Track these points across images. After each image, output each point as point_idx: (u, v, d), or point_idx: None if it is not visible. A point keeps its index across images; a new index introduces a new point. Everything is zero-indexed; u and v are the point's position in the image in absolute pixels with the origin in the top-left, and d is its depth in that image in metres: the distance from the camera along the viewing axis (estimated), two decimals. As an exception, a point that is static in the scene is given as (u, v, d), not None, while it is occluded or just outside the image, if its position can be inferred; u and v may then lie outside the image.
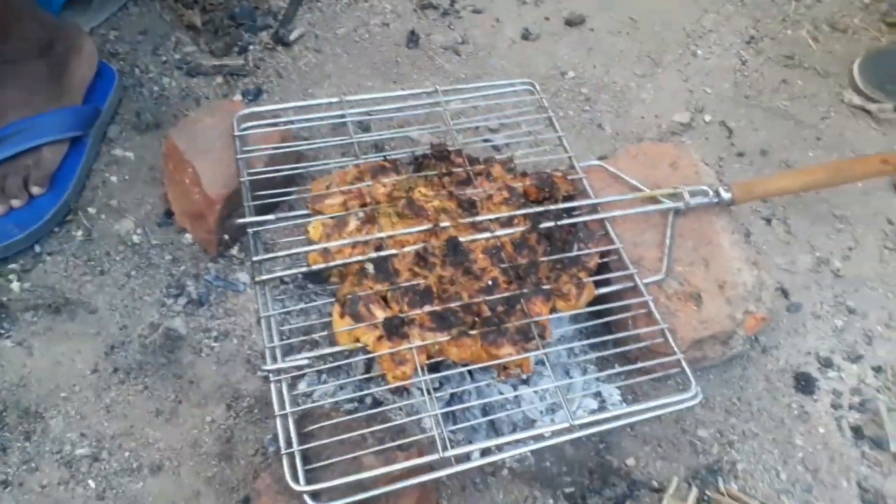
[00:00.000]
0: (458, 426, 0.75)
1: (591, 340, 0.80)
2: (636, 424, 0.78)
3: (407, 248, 0.74)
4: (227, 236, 0.84)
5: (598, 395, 0.81)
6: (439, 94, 0.89)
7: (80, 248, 0.85)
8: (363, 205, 0.77)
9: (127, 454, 0.71)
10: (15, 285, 0.80)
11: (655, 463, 0.76)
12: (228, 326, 0.80)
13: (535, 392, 0.79)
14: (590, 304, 0.76)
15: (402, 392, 0.77)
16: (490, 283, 0.73)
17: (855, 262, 0.95)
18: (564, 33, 1.17)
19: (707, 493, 0.73)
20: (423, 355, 0.69)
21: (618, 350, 0.79)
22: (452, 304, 0.71)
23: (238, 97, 1.03)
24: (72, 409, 0.73)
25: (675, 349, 0.74)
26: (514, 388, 0.78)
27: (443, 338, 0.69)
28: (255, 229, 0.77)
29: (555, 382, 0.70)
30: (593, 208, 0.83)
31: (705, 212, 0.86)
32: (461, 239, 0.75)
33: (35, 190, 0.84)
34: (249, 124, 0.84)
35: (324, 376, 0.78)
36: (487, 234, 0.76)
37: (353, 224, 0.76)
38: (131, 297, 0.81)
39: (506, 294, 0.72)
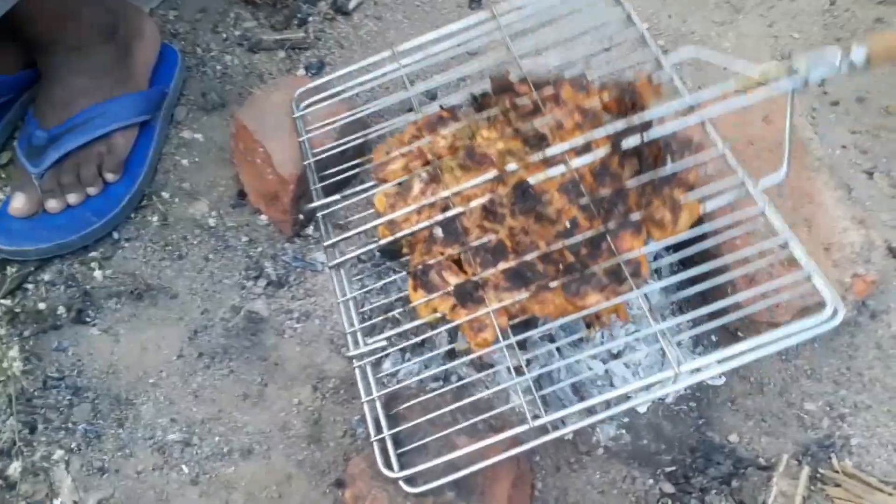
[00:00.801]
0: (548, 405, 0.72)
1: (691, 273, 0.66)
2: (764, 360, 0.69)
3: (473, 203, 0.67)
4: (302, 216, 0.83)
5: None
6: (496, 19, 0.79)
7: (157, 234, 0.84)
8: (426, 163, 0.72)
9: (217, 439, 0.71)
10: (97, 273, 0.80)
11: (761, 439, 0.72)
12: (309, 307, 0.79)
13: (627, 366, 0.76)
14: (694, 225, 0.66)
15: (487, 367, 0.74)
16: (569, 225, 0.65)
17: (969, 214, 0.87)
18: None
19: (820, 470, 0.69)
20: (502, 318, 0.64)
21: (725, 278, 0.66)
22: (528, 257, 0.64)
23: (301, 71, 1.01)
24: (161, 394, 0.74)
25: (803, 261, 0.62)
26: (604, 362, 0.75)
27: (521, 296, 0.63)
28: (324, 212, 0.75)
29: (657, 326, 0.61)
30: (687, 110, 0.68)
31: (803, 167, 0.80)
32: (532, 180, 0.67)
33: (109, 177, 0.83)
34: (309, 101, 0.82)
35: (407, 354, 0.76)
36: (562, 169, 0.66)
37: (417, 187, 0.71)
38: (211, 281, 0.81)
39: (588, 234, 0.64)
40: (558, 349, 0.74)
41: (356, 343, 0.68)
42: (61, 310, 0.77)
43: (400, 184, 0.72)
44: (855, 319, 0.79)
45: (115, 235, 0.84)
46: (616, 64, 0.77)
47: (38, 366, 0.74)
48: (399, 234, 0.69)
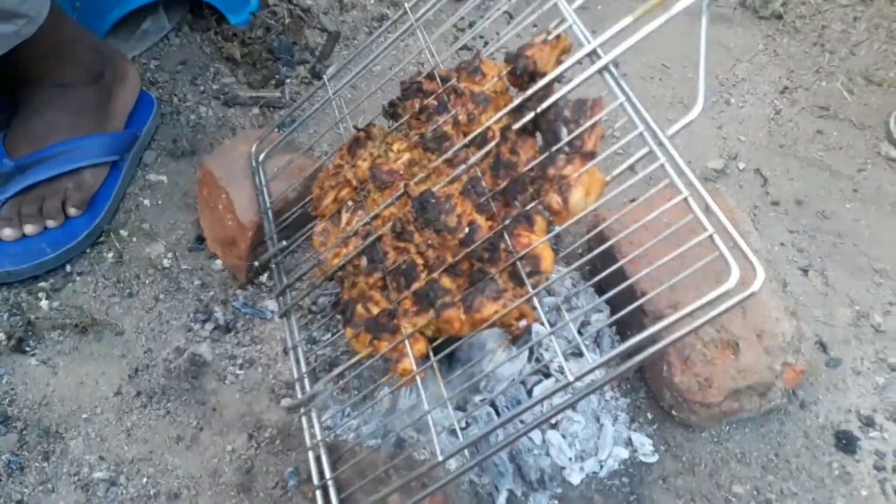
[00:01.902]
0: (483, 471, 0.73)
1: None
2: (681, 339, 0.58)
3: (386, 226, 0.65)
4: (257, 263, 0.84)
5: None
6: (410, 15, 0.76)
7: (111, 270, 0.85)
8: (353, 190, 0.70)
9: (145, 480, 0.70)
10: (44, 303, 0.80)
11: (689, 517, 0.73)
12: (254, 354, 0.79)
13: (564, 437, 0.77)
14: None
15: (427, 430, 0.75)
16: (468, 229, 0.61)
17: (896, 317, 0.92)
18: (596, 77, 1.17)
19: (743, 552, 0.70)
20: (419, 343, 0.62)
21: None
22: (435, 274, 0.61)
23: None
24: (92, 430, 0.72)
25: (706, 224, 0.56)
26: (543, 432, 0.76)
27: (429, 317, 0.61)
28: (276, 260, 0.76)
29: (546, 330, 0.58)
30: (589, 56, 0.59)
31: (741, 257, 0.84)
32: (435, 189, 0.64)
33: (72, 211, 0.84)
34: (266, 150, 0.85)
35: (347, 409, 0.76)
36: (462, 168, 0.63)
37: (344, 218, 0.69)
38: (158, 321, 0.81)
39: (485, 237, 0.60)
40: (496, 412, 0.75)
41: (302, 389, 0.68)
42: (1, 337, 0.76)
43: (331, 218, 0.71)
44: (785, 408, 0.82)
45: (68, 268, 0.84)
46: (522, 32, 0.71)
47: (-31, 391, 0.73)
48: (330, 272, 0.68)
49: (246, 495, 0.70)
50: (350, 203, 0.70)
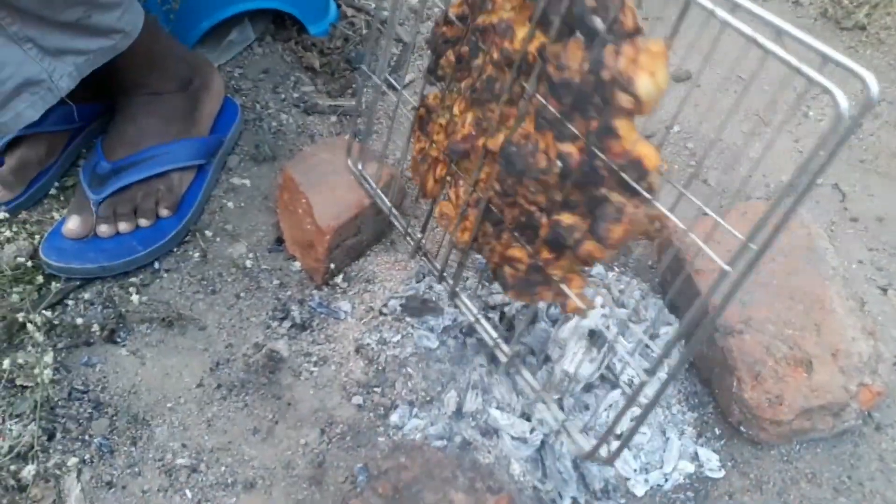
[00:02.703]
0: (547, 477, 0.74)
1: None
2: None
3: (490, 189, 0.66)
4: (333, 266, 0.87)
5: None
6: None
7: (196, 268, 0.89)
8: (446, 164, 0.72)
9: (223, 468, 0.73)
10: (134, 297, 0.85)
11: (756, 535, 0.72)
12: (328, 352, 0.82)
13: (629, 448, 0.77)
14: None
15: (493, 432, 0.76)
16: (560, 163, 0.58)
17: (982, 341, 0.89)
18: (671, 88, 1.17)
19: (813, 573, 0.69)
20: (574, 281, 0.61)
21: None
22: (554, 216, 0.60)
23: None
24: (176, 419, 0.76)
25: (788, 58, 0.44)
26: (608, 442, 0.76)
27: (570, 257, 0.60)
28: (420, 253, 0.78)
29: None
30: None
31: (817, 274, 0.82)
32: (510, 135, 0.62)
33: (164, 212, 0.89)
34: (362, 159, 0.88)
35: (415, 409, 0.78)
36: (522, 105, 0.60)
37: (452, 193, 0.72)
38: (239, 318, 0.85)
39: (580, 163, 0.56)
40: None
41: (502, 352, 0.71)
42: (95, 328, 0.81)
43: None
44: (860, 429, 0.80)
45: (157, 265, 0.89)
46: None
47: (66, 377, 0.78)
48: (466, 249, 0.69)
49: (317, 488, 0.73)
50: (449, 178, 0.70)
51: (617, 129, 0.53)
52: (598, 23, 0.52)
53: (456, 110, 0.68)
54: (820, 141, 0.42)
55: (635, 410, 0.72)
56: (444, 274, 0.77)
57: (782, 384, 0.75)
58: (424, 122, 0.73)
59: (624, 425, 0.77)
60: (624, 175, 0.54)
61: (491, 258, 0.68)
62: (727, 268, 0.49)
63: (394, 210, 0.83)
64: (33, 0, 0.69)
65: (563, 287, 0.62)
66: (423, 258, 0.80)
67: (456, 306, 0.77)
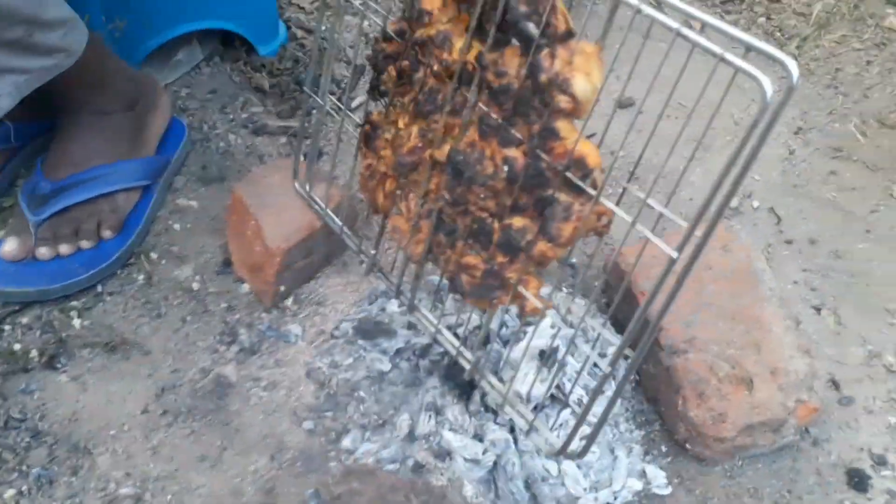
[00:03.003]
0: (499, 498, 0.74)
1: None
2: None
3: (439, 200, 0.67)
4: (283, 288, 0.86)
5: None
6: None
7: (140, 291, 0.87)
8: (395, 179, 0.72)
9: (169, 497, 0.71)
10: (76, 322, 0.82)
11: (702, 551, 0.74)
12: (278, 377, 0.81)
13: (579, 467, 0.78)
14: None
15: (445, 455, 0.76)
16: (506, 168, 0.59)
17: (908, 357, 0.93)
18: (617, 115, 1.20)
19: (756, 586, 0.71)
20: (532, 283, 0.62)
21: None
22: (505, 221, 0.61)
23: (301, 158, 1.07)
24: (119, 447, 0.74)
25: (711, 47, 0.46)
26: (559, 462, 0.77)
27: (524, 259, 0.61)
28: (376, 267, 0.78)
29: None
30: None
31: (756, 296, 0.86)
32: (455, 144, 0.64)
33: (107, 234, 0.87)
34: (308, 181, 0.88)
35: (367, 433, 0.77)
36: (465, 114, 0.61)
37: (403, 207, 0.72)
38: (185, 342, 0.83)
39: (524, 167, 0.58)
40: (515, 440, 0.77)
41: (465, 359, 0.71)
42: (34, 353, 0.79)
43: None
44: (798, 444, 0.83)
45: (99, 288, 0.86)
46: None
47: (2, 405, 0.75)
48: (420, 261, 0.70)
49: (267, 516, 0.71)
50: (399, 192, 0.70)
51: (558, 131, 0.55)
52: (532, 28, 0.54)
53: (401, 124, 0.69)
54: (749, 127, 0.44)
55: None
56: (401, 288, 0.77)
57: (725, 402, 0.77)
58: (370, 138, 0.74)
59: (573, 443, 0.78)
60: (569, 174, 0.56)
61: (446, 268, 0.68)
62: (674, 254, 0.51)
63: (345, 229, 0.83)
64: None
65: (521, 289, 0.63)
66: (378, 275, 0.80)
67: (414, 320, 0.78)
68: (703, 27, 0.47)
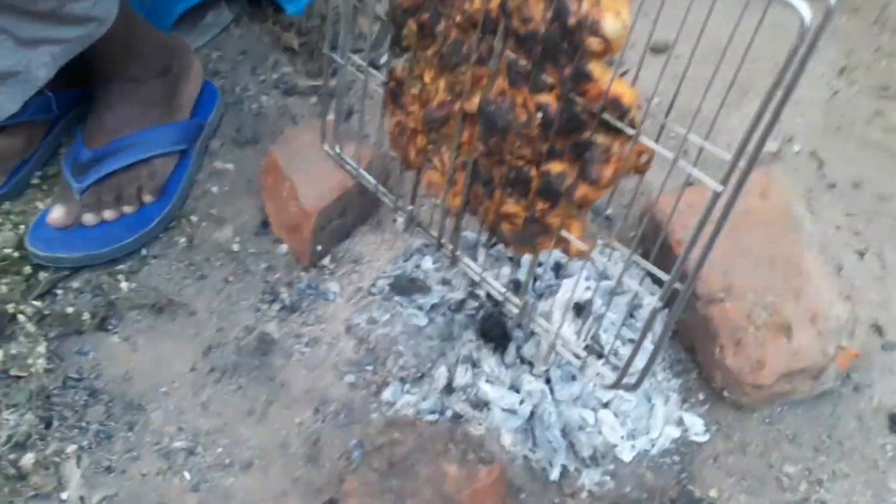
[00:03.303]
0: (537, 446, 0.76)
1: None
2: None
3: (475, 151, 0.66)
4: (320, 247, 0.88)
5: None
6: None
7: (183, 254, 0.90)
8: (426, 134, 0.71)
9: (220, 450, 0.75)
10: (123, 285, 0.85)
11: (739, 496, 0.75)
12: (318, 333, 0.83)
13: (616, 416, 0.79)
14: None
15: (483, 405, 0.78)
16: (540, 114, 0.58)
17: (954, 300, 0.91)
18: (650, 60, 1.17)
19: (794, 529, 0.71)
20: (574, 225, 0.62)
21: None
22: (542, 167, 0.60)
23: (330, 115, 1.07)
24: (171, 404, 0.77)
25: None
26: (596, 411, 0.78)
27: (565, 203, 0.61)
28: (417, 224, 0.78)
29: None
30: None
31: (796, 242, 0.84)
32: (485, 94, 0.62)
33: (147, 198, 0.89)
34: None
35: (407, 386, 0.79)
36: (492, 63, 0.60)
37: (437, 161, 0.71)
38: (228, 302, 0.85)
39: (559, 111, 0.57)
40: (551, 391, 0.78)
41: (513, 304, 0.71)
42: (86, 316, 0.82)
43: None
44: (838, 391, 0.82)
45: (144, 252, 0.89)
46: None
47: (60, 366, 0.78)
48: (460, 213, 0.70)
49: (313, 465, 0.74)
50: (431, 147, 0.70)
51: (591, 73, 0.54)
52: None
53: (427, 78, 0.68)
54: (789, 55, 0.43)
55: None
56: (442, 241, 0.78)
57: (763, 350, 0.77)
58: (396, 95, 0.73)
59: (609, 392, 0.79)
60: (606, 116, 0.55)
61: (486, 218, 0.69)
62: (718, 187, 0.50)
63: (380, 187, 0.84)
64: None
65: (564, 233, 0.63)
66: (417, 229, 0.81)
67: (458, 271, 0.78)
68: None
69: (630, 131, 0.55)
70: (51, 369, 0.78)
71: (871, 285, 0.92)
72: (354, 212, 0.91)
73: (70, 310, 0.82)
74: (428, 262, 0.88)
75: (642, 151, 0.57)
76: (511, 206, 0.66)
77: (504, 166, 0.64)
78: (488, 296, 0.85)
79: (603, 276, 0.87)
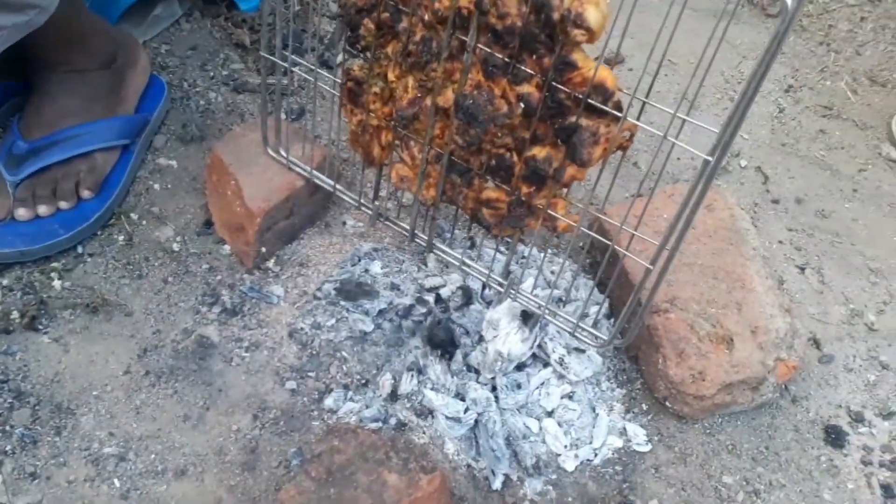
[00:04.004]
0: (480, 455, 0.75)
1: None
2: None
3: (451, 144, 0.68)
4: (264, 249, 0.86)
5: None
6: None
7: (121, 252, 0.86)
8: (392, 129, 0.73)
9: (153, 456, 0.72)
10: (56, 283, 0.82)
11: (679, 505, 0.75)
12: (260, 337, 0.81)
13: (560, 425, 0.79)
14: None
15: (427, 413, 0.77)
16: (522, 104, 0.61)
17: (889, 316, 0.94)
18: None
19: (731, 539, 0.72)
20: (559, 204, 0.65)
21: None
22: (527, 153, 0.63)
23: (281, 116, 1.05)
24: (102, 407, 0.74)
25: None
26: (540, 420, 0.78)
27: (552, 186, 0.63)
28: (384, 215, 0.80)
29: None
30: None
31: (739, 255, 0.86)
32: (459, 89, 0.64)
33: (85, 194, 0.86)
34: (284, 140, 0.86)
35: (350, 393, 0.78)
36: (466, 57, 0.61)
37: (406, 156, 0.73)
38: (167, 303, 0.83)
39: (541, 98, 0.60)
40: (496, 398, 0.77)
41: (499, 284, 0.70)
42: (15, 315, 0.78)
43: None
44: (777, 402, 0.84)
45: (80, 249, 0.86)
46: None
47: (-16, 366, 0.75)
48: (435, 204, 0.73)
49: (250, 473, 0.72)
50: (398, 142, 0.71)
51: (575, 62, 0.57)
52: None
53: (391, 76, 0.68)
54: (773, 37, 0.47)
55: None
56: (416, 232, 0.78)
57: (705, 360, 0.78)
58: (356, 94, 0.73)
59: (553, 401, 0.79)
60: (592, 101, 0.57)
61: (465, 205, 0.70)
62: (710, 158, 0.56)
63: (338, 186, 0.83)
64: None
65: (551, 212, 0.66)
66: (385, 223, 0.81)
67: (434, 257, 0.82)
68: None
69: (617, 114, 0.58)
70: (-27, 370, 0.74)
71: (810, 299, 0.95)
72: (302, 213, 0.89)
73: (-2, 308, 0.79)
74: (377, 267, 0.87)
75: (628, 128, 0.60)
76: (492, 192, 0.67)
77: (482, 155, 0.65)
78: (437, 300, 0.84)
79: (552, 285, 0.87)
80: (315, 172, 0.84)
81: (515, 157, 0.64)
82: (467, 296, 0.85)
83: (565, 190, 0.67)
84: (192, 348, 0.79)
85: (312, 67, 0.78)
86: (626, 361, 0.85)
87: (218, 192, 0.87)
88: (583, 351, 0.82)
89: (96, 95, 0.90)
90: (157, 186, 0.94)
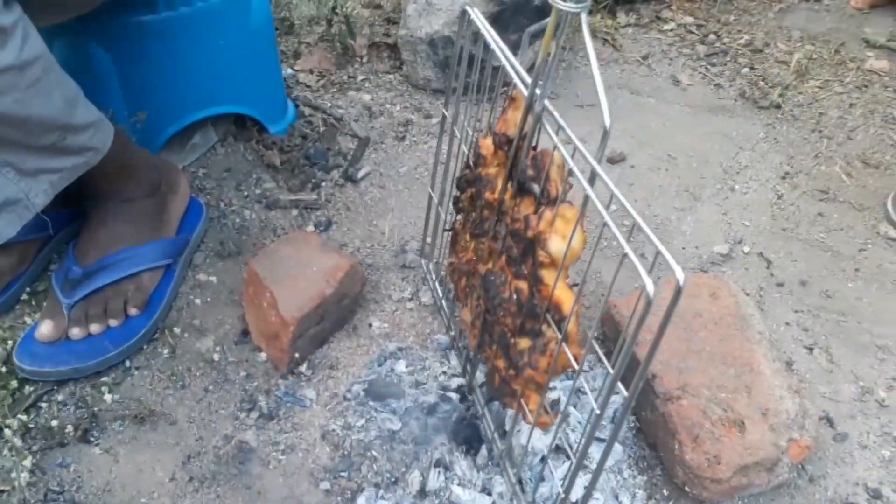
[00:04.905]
0: (508, 545, 0.78)
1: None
2: None
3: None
4: (297, 354, 0.92)
5: None
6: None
7: (165, 364, 0.93)
8: (466, 278, 0.84)
9: (197, 561, 0.76)
10: (107, 397, 0.88)
11: (705, 591, 0.77)
12: (295, 440, 0.86)
13: None
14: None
15: (455, 510, 0.80)
16: (515, 296, 0.69)
17: (900, 392, 0.96)
18: (607, 170, 1.27)
19: None
20: (532, 398, 0.71)
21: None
22: (514, 340, 0.70)
23: (311, 228, 1.14)
24: (150, 515, 0.79)
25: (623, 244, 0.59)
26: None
27: (521, 378, 0.70)
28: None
29: None
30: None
31: (745, 339, 0.90)
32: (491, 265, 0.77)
33: (133, 311, 0.94)
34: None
35: (381, 491, 0.82)
36: (498, 244, 0.74)
37: (470, 303, 0.82)
38: (208, 411, 0.89)
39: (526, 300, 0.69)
40: (522, 490, 0.81)
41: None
42: (69, 428, 0.85)
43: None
44: (794, 482, 0.86)
45: (127, 363, 0.93)
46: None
47: (42, 479, 0.80)
48: (475, 351, 0.82)
49: (289, 574, 0.75)
50: (467, 290, 0.82)
51: (542, 277, 0.65)
52: (535, 188, 0.67)
53: (466, 237, 0.82)
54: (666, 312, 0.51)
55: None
56: (466, 368, 0.87)
57: (719, 444, 0.81)
58: (454, 241, 0.86)
59: (578, 492, 0.82)
60: (548, 316, 0.65)
61: (487, 362, 0.78)
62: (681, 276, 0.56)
63: (443, 303, 0.91)
64: (14, 130, 0.75)
65: (522, 401, 0.71)
66: (455, 352, 0.91)
67: (471, 396, 0.89)
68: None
69: (558, 335, 0.65)
70: (33, 482, 0.80)
71: (820, 378, 0.98)
72: (331, 319, 0.96)
73: (54, 423, 0.85)
74: (401, 366, 0.93)
75: (576, 356, 0.65)
76: (500, 361, 0.75)
77: (499, 327, 0.73)
78: (461, 398, 0.89)
79: (569, 376, 0.92)
80: (437, 286, 0.94)
81: (513, 339, 0.71)
82: (510, 440, 0.89)
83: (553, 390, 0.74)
84: (233, 453, 0.84)
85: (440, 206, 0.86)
86: (646, 448, 0.88)
87: (254, 304, 0.94)
88: (603, 440, 0.86)
89: (143, 221, 1.00)
90: (197, 301, 1.01)
